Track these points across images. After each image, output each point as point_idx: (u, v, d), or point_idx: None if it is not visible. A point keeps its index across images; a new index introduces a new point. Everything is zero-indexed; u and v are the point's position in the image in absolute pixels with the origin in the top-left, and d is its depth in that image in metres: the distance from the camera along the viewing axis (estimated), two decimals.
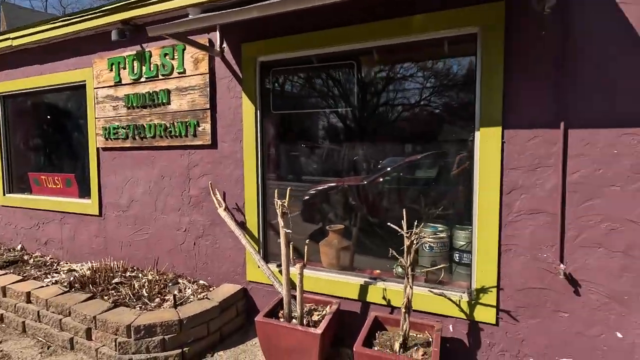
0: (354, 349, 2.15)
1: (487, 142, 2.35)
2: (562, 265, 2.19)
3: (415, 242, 2.15)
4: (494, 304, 2.38)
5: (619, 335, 2.12)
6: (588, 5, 2.09)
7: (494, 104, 2.31)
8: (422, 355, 2.15)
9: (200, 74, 3.26)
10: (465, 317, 2.46)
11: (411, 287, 2.17)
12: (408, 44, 2.63)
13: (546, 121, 2.21)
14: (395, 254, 2.30)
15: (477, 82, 2.38)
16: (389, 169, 3.17)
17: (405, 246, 2.20)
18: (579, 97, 2.13)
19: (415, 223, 2.26)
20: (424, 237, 2.12)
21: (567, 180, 2.18)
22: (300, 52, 2.93)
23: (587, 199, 2.15)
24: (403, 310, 2.19)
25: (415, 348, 2.22)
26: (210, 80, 3.24)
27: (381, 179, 3.27)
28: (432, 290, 2.57)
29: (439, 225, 3.01)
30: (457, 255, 2.82)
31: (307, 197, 3.51)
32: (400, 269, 2.90)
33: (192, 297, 3.03)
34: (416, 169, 3.09)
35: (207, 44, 3.19)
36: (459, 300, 2.48)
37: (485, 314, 2.41)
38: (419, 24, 2.45)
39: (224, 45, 3.18)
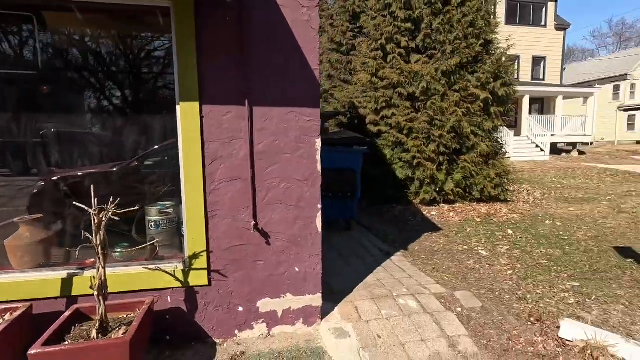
0: (27, 353, 1.83)
1: (187, 116, 2.45)
2: (254, 222, 2.60)
3: (104, 219, 2.02)
4: (206, 266, 2.58)
5: (297, 269, 2.74)
6: (258, 3, 2.47)
7: (190, 81, 2.43)
8: (123, 333, 2.08)
9: None
10: (181, 286, 2.56)
11: (103, 268, 2.04)
12: (100, 5, 2.38)
13: (236, 99, 2.51)
14: (87, 234, 2.09)
15: (174, 58, 2.43)
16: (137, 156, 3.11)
17: (94, 225, 2.03)
18: (258, 79, 2.53)
19: (111, 200, 2.12)
20: (110, 212, 2.01)
21: (254, 150, 2.58)
22: None
23: (269, 165, 2.62)
24: (96, 293, 2.03)
25: (118, 329, 2.12)
26: None
27: (136, 163, 3.11)
28: (147, 267, 2.53)
29: (167, 203, 3.01)
30: (184, 229, 2.89)
31: (35, 191, 3.03)
32: (117, 253, 2.71)
33: None
34: (154, 153, 3.09)
35: None
36: (174, 271, 2.54)
37: (198, 278, 2.58)
38: None
39: None
